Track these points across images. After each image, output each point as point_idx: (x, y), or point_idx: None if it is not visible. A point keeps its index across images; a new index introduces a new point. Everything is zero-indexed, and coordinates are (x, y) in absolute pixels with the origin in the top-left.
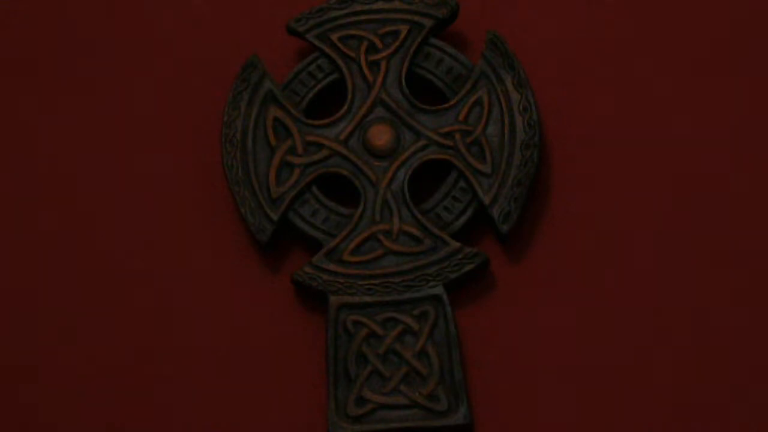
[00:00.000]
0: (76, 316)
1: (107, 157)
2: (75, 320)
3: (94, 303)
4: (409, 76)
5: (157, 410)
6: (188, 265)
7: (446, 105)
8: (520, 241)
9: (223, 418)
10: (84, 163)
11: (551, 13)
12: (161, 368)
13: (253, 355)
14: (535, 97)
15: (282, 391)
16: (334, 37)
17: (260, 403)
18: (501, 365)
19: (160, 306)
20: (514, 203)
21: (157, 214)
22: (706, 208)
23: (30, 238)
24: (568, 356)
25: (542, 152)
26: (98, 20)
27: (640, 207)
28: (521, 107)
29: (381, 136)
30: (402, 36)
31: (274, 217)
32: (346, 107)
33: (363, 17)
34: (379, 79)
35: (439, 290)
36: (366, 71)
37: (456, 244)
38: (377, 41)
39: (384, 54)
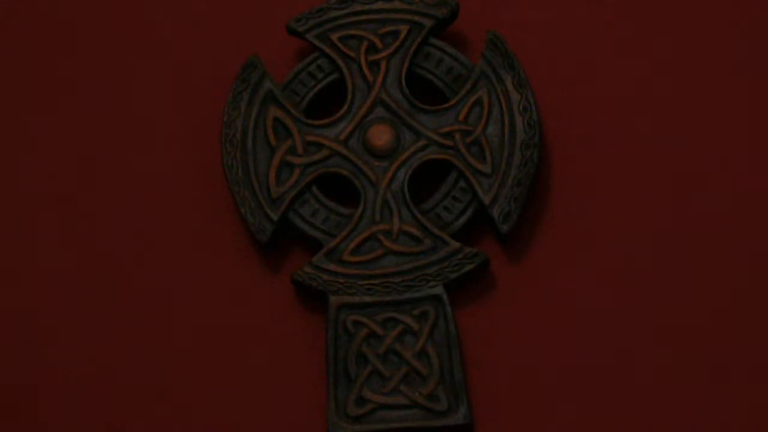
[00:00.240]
0: (75, 316)
1: (107, 157)
2: (75, 320)
3: (93, 303)
4: (409, 76)
5: (157, 410)
6: (188, 265)
7: (446, 105)
8: (520, 241)
9: (223, 418)
10: (84, 163)
11: (551, 13)
12: (161, 368)
13: (253, 355)
14: (535, 97)
15: (282, 391)
16: (334, 37)
17: (260, 403)
18: (501, 365)
19: (160, 306)
20: (514, 203)
21: (157, 214)
22: (706, 208)
23: (30, 238)
24: (568, 356)
25: (542, 152)
26: (98, 20)
27: (640, 207)
28: (521, 107)
29: (381, 136)
30: (402, 36)
31: (274, 217)
32: (346, 107)
33: (363, 17)
34: (379, 79)
35: (439, 290)
36: (366, 71)
37: (456, 244)
38: (377, 41)
39: (384, 54)
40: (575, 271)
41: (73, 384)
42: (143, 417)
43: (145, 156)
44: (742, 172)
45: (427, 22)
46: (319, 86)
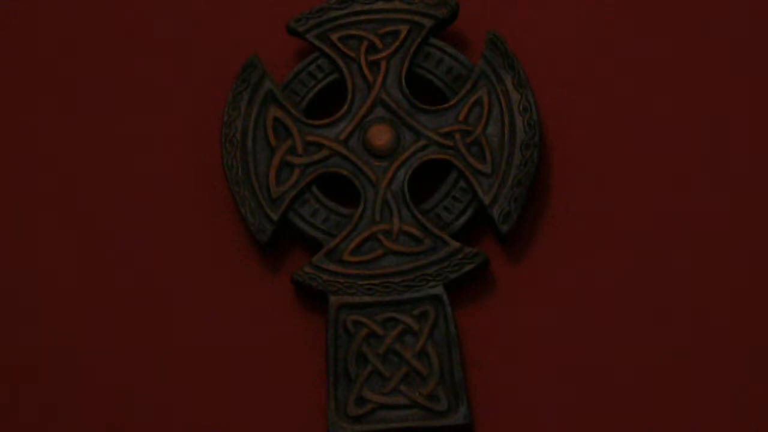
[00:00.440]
0: (76, 316)
1: (107, 157)
2: (75, 320)
3: (93, 303)
4: (409, 76)
5: (157, 410)
6: (188, 265)
7: (446, 105)
8: (520, 241)
9: (223, 418)
10: (84, 162)
11: (551, 13)
12: (161, 368)
13: (253, 355)
14: (535, 97)
15: (282, 391)
16: (334, 37)
17: (260, 403)
18: (501, 365)
19: (160, 306)
20: (514, 203)
21: (157, 215)
22: (707, 208)
23: (30, 238)
24: (568, 356)
25: (542, 152)
26: (98, 20)
27: (640, 207)
28: (521, 107)
29: (381, 136)
30: (402, 36)
31: (274, 217)
32: (346, 107)
33: (363, 17)
34: (379, 79)
35: (439, 290)
36: (366, 71)
37: (456, 244)
38: (377, 41)
39: (384, 54)
40: (575, 271)
41: (73, 384)
42: (143, 417)
43: (145, 156)
44: (742, 172)
45: (427, 22)
46: (319, 86)
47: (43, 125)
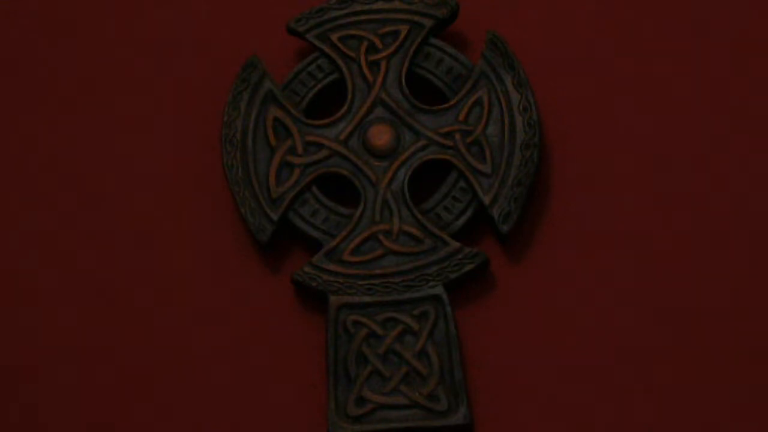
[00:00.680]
0: (75, 316)
1: (107, 157)
2: (75, 320)
3: (93, 303)
4: (409, 76)
5: (157, 410)
6: (188, 265)
7: (446, 105)
8: (520, 241)
9: (223, 418)
10: (84, 162)
11: (551, 13)
12: (161, 368)
13: (253, 355)
14: (535, 97)
15: (282, 391)
16: (334, 37)
17: (260, 403)
18: (501, 365)
19: (160, 306)
20: (514, 203)
21: (158, 214)
22: (707, 208)
23: (30, 238)
24: (568, 356)
25: (542, 152)
26: (98, 20)
27: (640, 207)
28: (521, 107)
29: (381, 136)
30: (402, 36)
31: (274, 217)
32: (346, 107)
33: (363, 17)
34: (379, 79)
35: (439, 290)
36: (366, 71)
37: (456, 244)
38: (377, 41)
39: (384, 54)
40: (575, 271)
41: (73, 384)
42: (143, 417)
43: (146, 156)
44: (743, 172)
45: (427, 22)
46: (319, 86)
47: (43, 125)
